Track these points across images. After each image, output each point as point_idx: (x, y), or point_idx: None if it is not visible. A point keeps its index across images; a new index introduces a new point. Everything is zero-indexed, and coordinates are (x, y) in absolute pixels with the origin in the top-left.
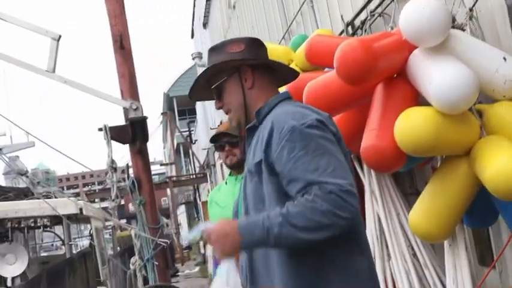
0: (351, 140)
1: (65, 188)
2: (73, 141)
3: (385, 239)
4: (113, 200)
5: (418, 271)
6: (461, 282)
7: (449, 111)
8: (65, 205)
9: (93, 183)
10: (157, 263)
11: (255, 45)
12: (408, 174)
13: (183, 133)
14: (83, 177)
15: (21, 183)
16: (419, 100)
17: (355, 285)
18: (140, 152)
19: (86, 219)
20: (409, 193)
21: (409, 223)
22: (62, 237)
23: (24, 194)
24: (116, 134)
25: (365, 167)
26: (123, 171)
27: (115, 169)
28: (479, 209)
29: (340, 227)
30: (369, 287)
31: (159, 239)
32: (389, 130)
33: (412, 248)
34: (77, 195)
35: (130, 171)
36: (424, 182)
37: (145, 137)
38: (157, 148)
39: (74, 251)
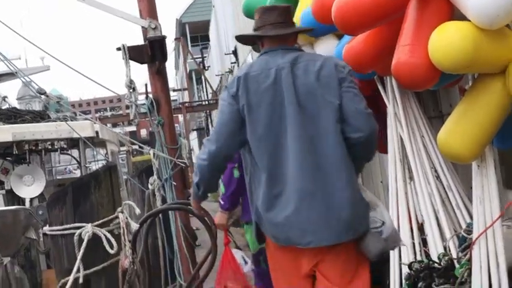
0: (376, 59)
1: (78, 113)
2: (89, 65)
3: (407, 161)
4: (132, 120)
5: (441, 193)
6: (488, 203)
7: (488, 25)
8: (82, 128)
9: (105, 109)
10: (175, 183)
11: (263, 12)
12: (432, 96)
13: (196, 59)
14: (95, 103)
15: (36, 107)
16: (455, 14)
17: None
18: (159, 72)
19: (102, 143)
20: (433, 116)
21: (438, 143)
22: (78, 160)
23: (41, 116)
24: (134, 53)
25: (389, 88)
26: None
27: (133, 89)
28: (510, 129)
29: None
30: (263, 192)
31: (178, 159)
32: (423, 45)
33: (436, 171)
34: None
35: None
36: (449, 104)
37: (164, 57)
38: (169, 75)
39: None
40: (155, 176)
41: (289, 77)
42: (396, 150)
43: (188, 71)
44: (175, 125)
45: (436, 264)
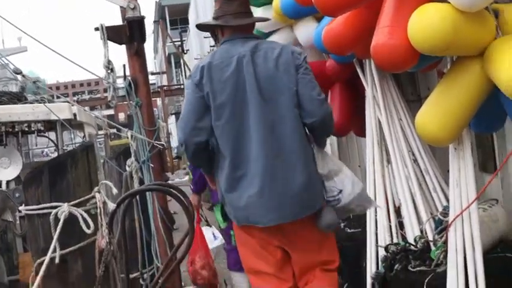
0: (356, 41)
1: (55, 96)
2: (68, 47)
3: (385, 144)
4: (110, 101)
5: (418, 176)
6: (464, 185)
7: (467, 7)
8: (60, 110)
9: (83, 92)
10: (153, 166)
11: (223, 2)
12: (411, 80)
13: (175, 43)
14: (73, 86)
15: (13, 89)
16: None
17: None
18: (137, 53)
19: (80, 126)
20: (412, 100)
21: (415, 125)
22: (55, 142)
23: (17, 98)
24: (112, 33)
25: (367, 71)
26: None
27: (111, 70)
28: (487, 113)
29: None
30: (226, 175)
31: (156, 141)
32: (403, 27)
33: (413, 154)
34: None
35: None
36: (427, 87)
37: (142, 38)
38: (148, 58)
39: None
40: (133, 158)
41: (250, 65)
42: (374, 133)
43: (167, 54)
44: (154, 109)
45: (412, 247)
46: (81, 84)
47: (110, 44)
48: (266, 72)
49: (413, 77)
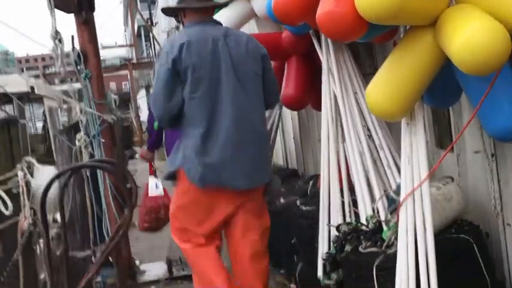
0: (305, 10)
1: (25, 69)
2: (32, 19)
3: (340, 119)
4: (58, 74)
5: (372, 152)
6: (416, 163)
7: None
8: (15, 83)
9: (54, 66)
10: (103, 140)
11: None
12: (368, 52)
13: (144, 16)
14: (43, 59)
15: None
16: None
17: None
18: (86, 22)
19: (39, 99)
20: (369, 73)
21: (366, 99)
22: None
23: None
24: (59, 2)
25: (323, 43)
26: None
27: (60, 40)
28: (441, 87)
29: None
30: (198, 143)
31: (106, 115)
32: None
33: (368, 129)
34: (37, 77)
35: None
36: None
37: (91, 6)
38: (118, 32)
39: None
40: (82, 133)
41: (225, 46)
42: (329, 107)
43: (136, 27)
44: (124, 82)
45: (363, 227)
46: (51, 58)
47: (59, 13)
48: (238, 54)
49: (371, 49)
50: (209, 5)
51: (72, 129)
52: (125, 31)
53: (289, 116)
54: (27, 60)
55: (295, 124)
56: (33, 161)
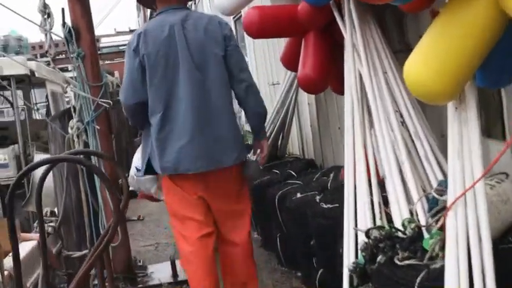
0: None
1: (39, 55)
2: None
3: (367, 103)
4: (47, 52)
5: (406, 142)
6: (468, 157)
7: None
8: (13, 65)
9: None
10: (98, 127)
11: None
12: (398, 26)
13: None
14: (57, 45)
15: None
16: None
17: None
18: None
19: (42, 84)
20: (398, 50)
21: (404, 77)
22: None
23: None
24: None
25: (346, 15)
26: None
27: (48, 15)
28: (497, 61)
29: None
30: (158, 130)
31: (101, 99)
32: None
33: (401, 115)
34: (49, 63)
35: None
36: (418, 35)
37: None
38: (132, 16)
39: (37, 117)
40: (75, 119)
41: (181, 32)
42: (354, 89)
43: (149, 12)
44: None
45: (399, 233)
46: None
47: None
48: (196, 38)
49: (401, 22)
50: None
51: (66, 115)
52: (138, 16)
53: (305, 101)
54: (40, 46)
55: (313, 110)
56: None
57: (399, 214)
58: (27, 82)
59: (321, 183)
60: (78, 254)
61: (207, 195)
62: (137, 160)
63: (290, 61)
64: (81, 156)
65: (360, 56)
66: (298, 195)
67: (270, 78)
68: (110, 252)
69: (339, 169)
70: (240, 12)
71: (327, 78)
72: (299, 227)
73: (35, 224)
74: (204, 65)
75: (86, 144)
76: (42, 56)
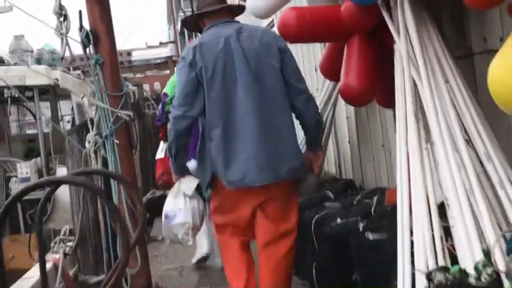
0: None
1: (71, 69)
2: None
3: (424, 117)
4: (62, 59)
5: (475, 165)
6: None
7: None
8: (35, 75)
9: None
10: (117, 141)
11: None
12: (458, 28)
13: (187, 13)
14: (89, 58)
15: (29, 62)
16: None
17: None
18: None
19: (68, 95)
20: (458, 56)
21: (489, 83)
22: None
23: None
24: None
25: (399, 15)
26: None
27: (65, 17)
28: None
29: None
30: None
31: (121, 111)
32: None
33: (466, 132)
34: (79, 75)
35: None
36: (483, 38)
37: None
38: (164, 32)
39: (64, 129)
40: (93, 132)
41: (237, 43)
42: (409, 101)
43: (180, 25)
44: (156, 82)
45: (472, 279)
46: None
47: None
48: (252, 49)
49: (462, 24)
50: (222, 6)
51: (85, 128)
52: (169, 29)
53: (343, 114)
54: (73, 60)
55: (352, 124)
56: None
57: (469, 253)
58: (52, 93)
59: (363, 207)
60: (94, 279)
61: (262, 207)
62: (167, 204)
63: (330, 69)
64: (95, 174)
65: (415, 62)
66: (338, 220)
67: None
68: (128, 278)
69: (382, 191)
70: (273, 19)
71: (374, 88)
72: (339, 258)
73: (52, 244)
74: (261, 75)
75: (105, 160)
76: (75, 69)
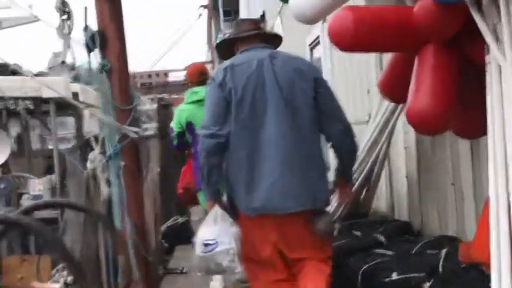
0: None
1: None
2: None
3: None
4: (63, 62)
5: None
6: None
7: None
8: (53, 86)
9: (150, 84)
10: (123, 163)
11: (236, 24)
12: None
13: (225, 36)
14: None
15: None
16: None
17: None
18: None
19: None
20: None
21: None
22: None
23: (12, 70)
24: None
25: (503, 12)
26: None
27: (69, 15)
28: None
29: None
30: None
31: (129, 127)
32: None
33: None
34: None
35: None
36: None
37: None
38: (201, 49)
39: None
40: (96, 151)
41: (270, 67)
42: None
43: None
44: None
45: None
46: (149, 76)
47: None
48: (285, 75)
49: None
50: (253, 33)
51: (87, 145)
52: (208, 51)
53: (400, 144)
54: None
55: (411, 156)
56: None
57: None
58: (75, 107)
59: (426, 260)
60: None
61: (284, 240)
62: (205, 233)
63: (393, 87)
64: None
65: None
66: (394, 276)
67: (355, 112)
68: None
69: (451, 241)
70: (318, 36)
71: (452, 111)
72: None
73: (53, 271)
74: (293, 101)
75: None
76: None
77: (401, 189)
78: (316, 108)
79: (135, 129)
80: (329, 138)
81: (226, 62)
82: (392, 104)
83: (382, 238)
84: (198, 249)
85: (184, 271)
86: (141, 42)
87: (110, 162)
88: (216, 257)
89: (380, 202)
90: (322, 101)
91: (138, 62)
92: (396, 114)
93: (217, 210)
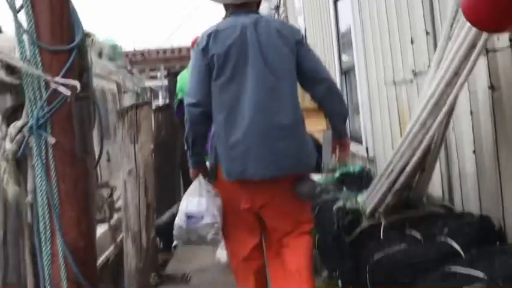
0: None
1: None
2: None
3: None
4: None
5: None
6: None
7: None
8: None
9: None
10: (53, 140)
11: None
12: None
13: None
14: (142, 54)
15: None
16: None
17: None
18: None
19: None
20: None
21: None
22: None
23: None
24: None
25: None
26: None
27: None
28: None
29: (190, 124)
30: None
31: (60, 79)
32: None
33: None
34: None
35: None
36: None
37: None
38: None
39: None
40: (20, 122)
41: (253, 32)
42: None
43: None
44: None
45: None
46: (157, 52)
47: None
48: (268, 40)
49: None
50: (239, 2)
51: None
52: None
53: (464, 108)
54: (133, 54)
55: (479, 123)
56: None
57: None
58: None
59: None
60: None
61: (266, 206)
62: (189, 204)
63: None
64: None
65: None
66: None
67: (394, 69)
68: None
69: None
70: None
71: None
72: None
73: None
74: (276, 66)
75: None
76: (131, 63)
77: (466, 169)
78: (298, 72)
79: (73, 81)
80: (315, 98)
81: (212, 27)
82: (462, 50)
83: (455, 245)
84: (181, 220)
85: (187, 278)
86: (156, 17)
87: (32, 137)
88: (200, 230)
89: (433, 186)
90: (304, 63)
91: (154, 36)
92: (469, 65)
93: (200, 180)
